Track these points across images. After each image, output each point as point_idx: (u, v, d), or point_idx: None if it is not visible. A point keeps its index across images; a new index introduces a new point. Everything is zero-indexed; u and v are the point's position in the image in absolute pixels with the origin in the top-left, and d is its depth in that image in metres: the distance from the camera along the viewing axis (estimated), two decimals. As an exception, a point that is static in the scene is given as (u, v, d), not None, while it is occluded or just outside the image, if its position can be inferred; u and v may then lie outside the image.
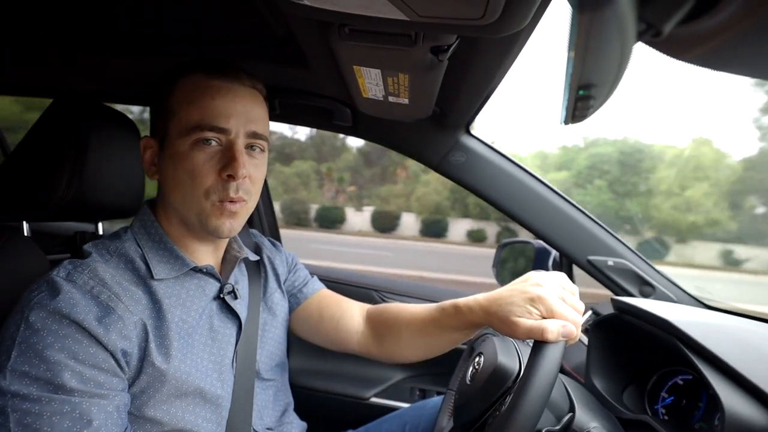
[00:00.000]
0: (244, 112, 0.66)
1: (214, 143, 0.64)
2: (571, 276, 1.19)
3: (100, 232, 0.97)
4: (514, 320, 0.60)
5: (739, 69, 0.38)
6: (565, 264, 1.21)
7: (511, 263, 1.44)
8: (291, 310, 0.89)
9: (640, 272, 1.04)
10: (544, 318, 0.59)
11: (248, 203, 0.68)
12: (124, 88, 1.02)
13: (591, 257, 1.05)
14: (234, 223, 0.67)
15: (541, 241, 1.19)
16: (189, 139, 0.63)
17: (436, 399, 1.01)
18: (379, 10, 0.46)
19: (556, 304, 0.59)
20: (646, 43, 0.36)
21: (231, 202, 0.65)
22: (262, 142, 0.69)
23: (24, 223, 0.82)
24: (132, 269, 0.64)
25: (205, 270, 0.70)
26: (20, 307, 0.55)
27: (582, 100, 0.36)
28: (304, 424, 0.87)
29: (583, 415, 0.63)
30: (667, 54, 0.38)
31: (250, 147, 0.67)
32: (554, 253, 1.25)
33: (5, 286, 0.68)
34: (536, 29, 0.61)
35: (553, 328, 0.56)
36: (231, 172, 0.63)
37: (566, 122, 0.46)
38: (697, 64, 0.38)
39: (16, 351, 0.51)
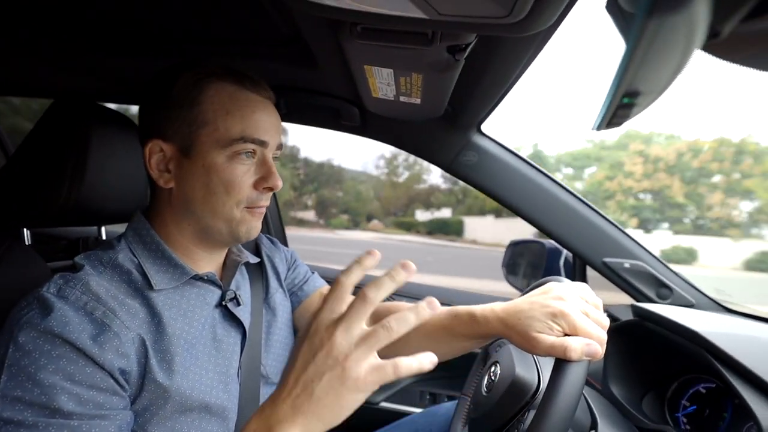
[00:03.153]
0: (275, 126, 0.67)
1: (250, 155, 0.65)
2: (584, 279, 1.16)
3: (104, 236, 0.95)
4: (534, 336, 0.57)
5: None
6: (578, 265, 1.18)
7: (521, 263, 1.42)
8: (292, 308, 0.87)
9: (657, 274, 1.02)
10: (566, 334, 0.56)
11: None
12: (125, 88, 0.99)
13: (606, 259, 1.02)
14: (259, 224, 0.69)
15: (552, 241, 1.17)
16: (228, 150, 0.62)
17: (448, 405, 0.99)
18: (398, 7, 0.43)
19: (580, 321, 0.56)
20: (704, 49, 0.33)
21: (259, 207, 0.67)
22: (279, 153, 0.70)
23: (24, 230, 0.79)
24: (128, 281, 0.61)
25: (206, 277, 0.67)
26: (9, 326, 0.52)
27: (624, 108, 0.33)
28: None
29: (605, 430, 0.61)
30: (715, 55, 0.35)
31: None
32: (565, 253, 1.22)
33: (4, 297, 0.66)
34: (559, 29, 0.58)
35: (576, 347, 0.53)
36: (271, 185, 0.65)
37: (599, 128, 0.43)
38: (745, 65, 0.35)
39: (6, 375, 0.48)
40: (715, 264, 19.21)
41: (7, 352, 0.49)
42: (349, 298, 0.45)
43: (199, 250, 0.68)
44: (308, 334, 0.44)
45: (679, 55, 0.25)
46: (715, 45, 0.33)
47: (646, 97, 0.31)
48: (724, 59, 0.35)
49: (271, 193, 0.67)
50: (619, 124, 0.39)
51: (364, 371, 0.41)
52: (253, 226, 0.67)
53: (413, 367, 0.42)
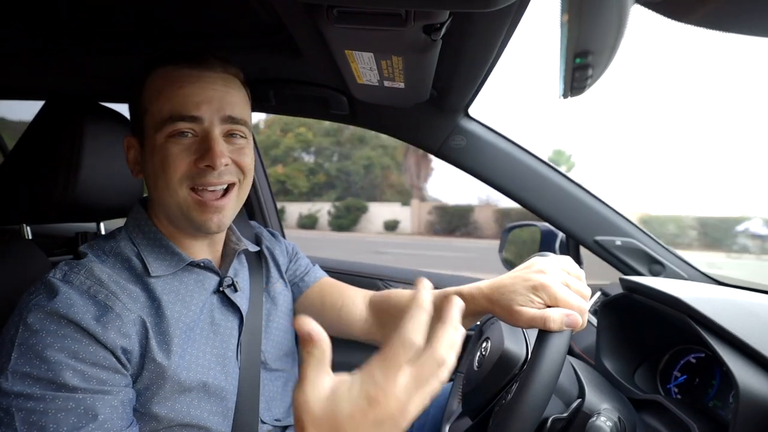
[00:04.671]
0: (216, 98, 0.63)
1: (189, 135, 0.62)
2: (578, 258, 1.17)
3: (102, 232, 0.97)
4: (516, 309, 0.58)
5: (743, 28, 0.36)
6: (572, 246, 1.19)
7: (518, 247, 1.43)
8: (294, 299, 0.89)
9: (649, 251, 1.02)
10: (548, 306, 0.57)
11: (240, 190, 0.68)
12: (114, 86, 1.01)
13: (598, 237, 1.03)
14: (222, 218, 0.66)
15: (547, 224, 1.18)
16: (163, 132, 0.62)
17: (446, 384, 1.01)
18: None
19: (560, 292, 0.57)
20: (644, 5, 0.34)
21: (220, 195, 0.64)
22: (241, 128, 0.67)
23: (24, 225, 0.82)
24: (129, 268, 0.63)
25: (202, 264, 0.69)
26: (18, 309, 0.55)
27: (580, 69, 0.34)
28: None
29: (593, 398, 0.62)
30: (668, 16, 0.36)
31: (230, 134, 0.66)
32: (561, 235, 1.23)
33: (7, 288, 0.68)
34: (530, 5, 0.59)
35: (556, 317, 0.55)
36: (208, 162, 0.61)
37: (565, 95, 0.44)
38: (700, 26, 0.36)
39: (15, 353, 0.51)
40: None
41: (17, 332, 0.53)
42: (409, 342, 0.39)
43: (185, 237, 0.70)
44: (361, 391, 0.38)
45: (615, 11, 0.26)
46: (663, 5, 0.34)
47: (598, 56, 0.32)
48: (676, 20, 0.36)
49: (221, 171, 0.63)
50: (582, 88, 0.40)
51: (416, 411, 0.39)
52: (209, 219, 0.64)
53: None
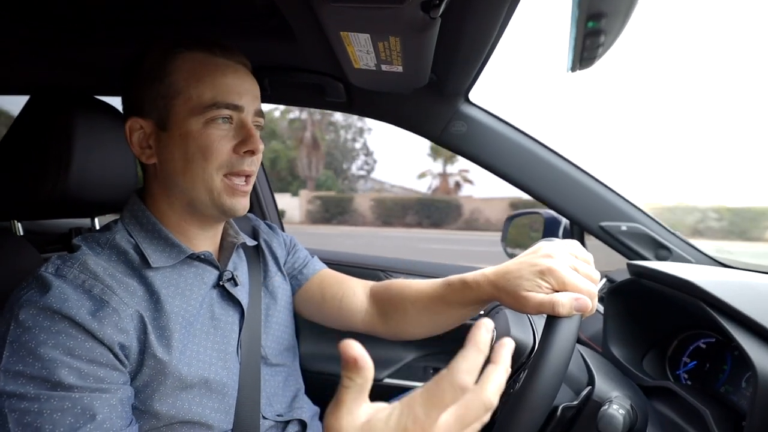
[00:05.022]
0: (251, 90, 0.67)
1: (227, 120, 0.64)
2: (582, 244, 1.15)
3: (97, 227, 0.95)
4: (523, 295, 0.56)
5: None
6: (577, 232, 1.17)
7: (521, 236, 1.41)
8: (293, 292, 0.88)
9: (655, 236, 1.00)
10: (556, 291, 0.55)
11: (251, 181, 0.69)
12: (105, 78, 0.98)
13: (603, 223, 1.01)
14: (246, 202, 0.68)
15: (550, 211, 1.15)
16: (202, 117, 0.62)
17: None
18: None
19: (568, 276, 0.55)
20: None
21: (244, 181, 0.66)
22: (262, 122, 0.69)
23: (15, 221, 0.80)
24: (125, 260, 0.62)
25: (203, 257, 0.68)
26: (9, 305, 0.53)
27: (592, 35, 0.32)
28: (316, 409, 0.86)
29: (603, 385, 0.60)
30: None
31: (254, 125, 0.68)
32: (565, 221, 1.21)
33: None
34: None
35: (565, 302, 0.53)
36: (251, 148, 0.64)
37: (573, 68, 0.42)
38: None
39: (7, 351, 0.50)
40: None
41: (8, 329, 0.51)
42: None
43: (192, 227, 0.68)
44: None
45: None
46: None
47: (613, 19, 0.30)
48: None
49: (252, 158, 0.66)
50: (593, 58, 0.38)
51: None
52: (239, 201, 0.66)
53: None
